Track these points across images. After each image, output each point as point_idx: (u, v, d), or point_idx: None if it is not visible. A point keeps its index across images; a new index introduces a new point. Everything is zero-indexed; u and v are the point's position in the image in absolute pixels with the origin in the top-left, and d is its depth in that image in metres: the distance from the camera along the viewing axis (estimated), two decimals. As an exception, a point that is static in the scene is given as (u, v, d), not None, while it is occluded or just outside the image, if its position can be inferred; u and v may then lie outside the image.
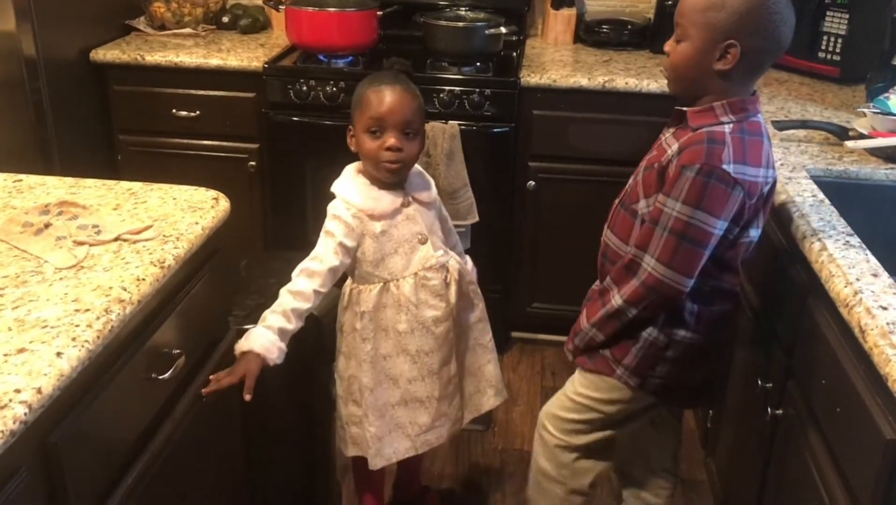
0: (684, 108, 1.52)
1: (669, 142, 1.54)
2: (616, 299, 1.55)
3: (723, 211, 1.44)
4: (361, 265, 1.71)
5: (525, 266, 2.80)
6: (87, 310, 1.17)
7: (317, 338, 1.89)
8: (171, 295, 1.40)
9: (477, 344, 1.89)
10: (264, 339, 1.59)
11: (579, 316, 1.69)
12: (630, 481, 1.98)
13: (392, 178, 1.67)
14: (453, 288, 1.77)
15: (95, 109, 2.75)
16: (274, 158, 2.73)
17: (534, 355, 2.90)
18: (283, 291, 1.64)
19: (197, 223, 1.47)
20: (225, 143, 2.76)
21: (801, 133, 2.02)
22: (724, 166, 1.42)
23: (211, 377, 1.52)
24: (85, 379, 1.13)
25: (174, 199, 1.56)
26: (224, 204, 1.58)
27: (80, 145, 2.69)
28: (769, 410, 1.59)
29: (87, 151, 2.73)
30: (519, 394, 2.69)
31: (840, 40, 2.53)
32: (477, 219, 2.56)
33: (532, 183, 2.66)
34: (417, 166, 1.77)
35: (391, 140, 1.61)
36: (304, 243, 2.71)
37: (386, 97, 1.61)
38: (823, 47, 2.57)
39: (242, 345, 1.59)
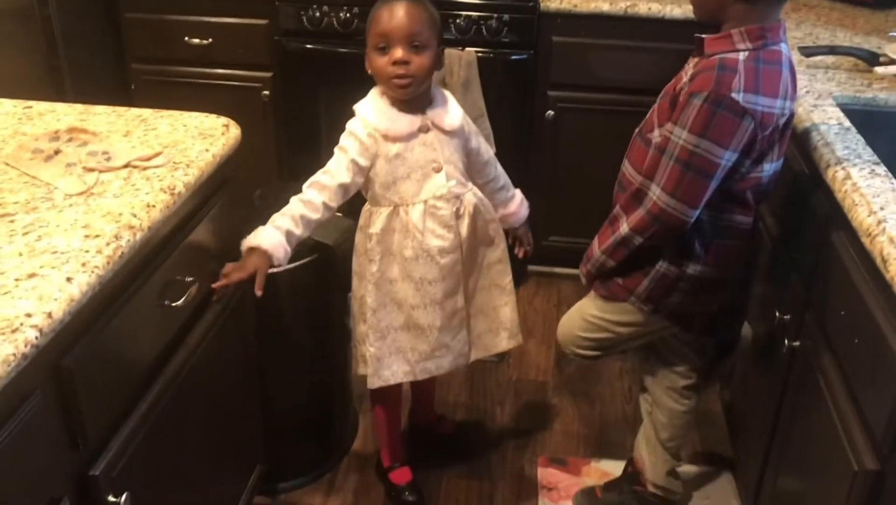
0: (703, 35, 1.48)
1: (686, 70, 1.51)
2: (623, 227, 1.56)
3: (730, 141, 1.40)
4: (373, 186, 1.70)
5: (542, 198, 2.75)
6: (97, 236, 1.16)
7: (331, 267, 1.89)
8: (182, 223, 1.40)
9: (494, 284, 1.87)
10: (273, 238, 1.56)
11: (592, 241, 1.69)
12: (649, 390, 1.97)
13: (404, 94, 1.63)
14: (466, 221, 1.75)
15: (107, 37, 2.71)
16: (287, 87, 2.69)
17: (550, 288, 2.89)
18: (293, 199, 1.64)
19: (207, 150, 1.45)
20: (238, 72, 2.72)
21: (830, 59, 1.96)
22: (734, 95, 1.37)
23: (222, 271, 1.51)
24: (96, 304, 1.13)
25: (184, 125, 1.54)
26: (235, 131, 1.55)
27: (93, 74, 2.66)
28: (786, 341, 1.57)
29: (99, 80, 2.70)
30: (534, 326, 2.69)
31: (874, -38, 2.43)
32: (494, 150, 2.50)
33: (551, 112, 2.61)
34: (446, 93, 1.73)
35: (397, 53, 1.58)
36: (317, 169, 2.71)
37: (391, 11, 1.58)
38: (856, -30, 2.47)
39: (250, 241, 1.56)
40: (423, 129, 1.68)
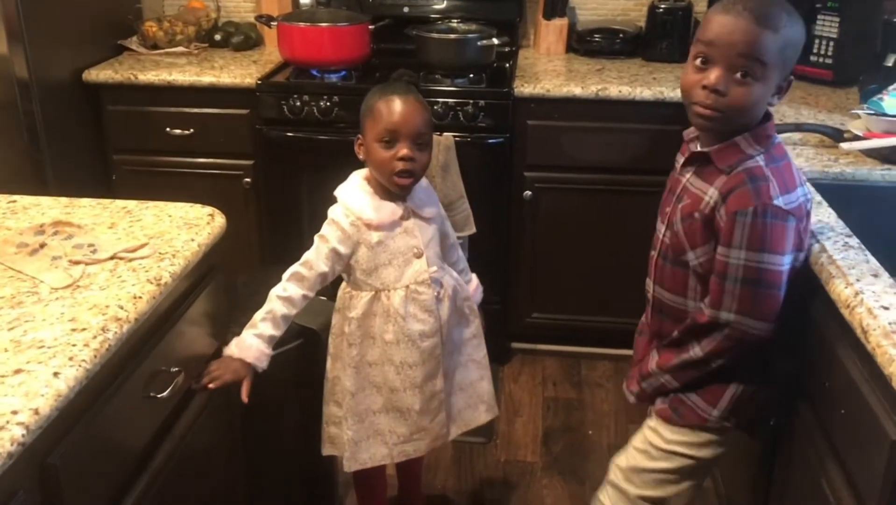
0: (704, 150, 1.45)
1: (699, 186, 1.45)
2: (695, 351, 1.48)
3: (786, 246, 1.38)
4: (355, 272, 1.72)
5: (524, 276, 2.80)
6: (84, 329, 1.16)
7: (316, 352, 1.89)
8: (168, 313, 1.39)
9: (470, 360, 1.88)
10: (255, 349, 1.61)
11: (641, 355, 1.63)
12: None
13: (403, 189, 1.68)
14: (446, 304, 1.76)
15: (89, 130, 2.74)
16: (269, 175, 2.73)
17: (535, 366, 2.89)
18: (273, 297, 1.66)
19: (193, 240, 1.46)
20: (219, 161, 2.75)
21: (797, 136, 2.02)
22: (776, 202, 1.36)
23: (207, 370, 1.54)
24: (83, 399, 1.12)
25: (169, 216, 1.55)
26: (220, 220, 1.57)
27: (75, 166, 2.68)
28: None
29: (81, 172, 2.72)
30: (521, 405, 2.68)
31: (832, 43, 2.54)
32: (474, 230, 2.55)
33: (529, 193, 2.66)
34: (425, 180, 1.77)
35: (404, 150, 1.62)
36: (300, 257, 2.73)
37: (398, 107, 1.62)
38: (815, 51, 2.58)
39: (233, 352, 1.60)
40: (405, 217, 1.71)
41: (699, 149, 1.48)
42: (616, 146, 2.59)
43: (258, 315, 1.65)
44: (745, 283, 1.39)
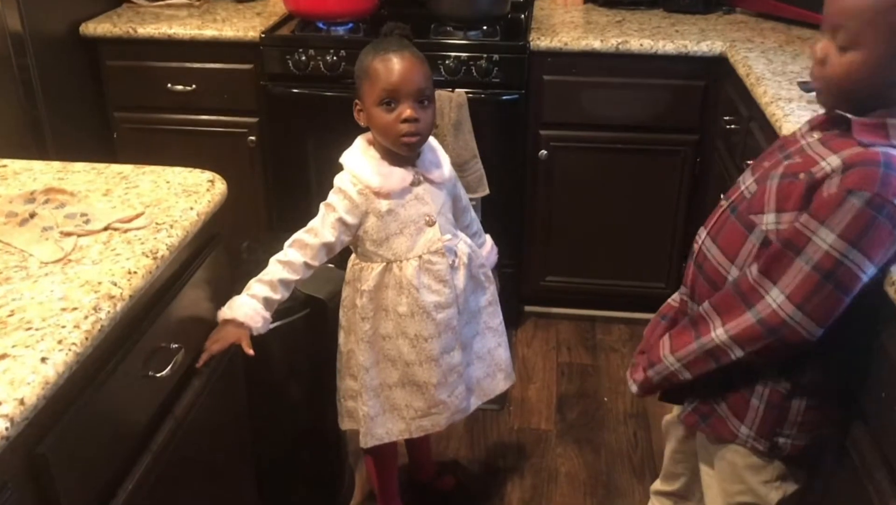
0: (848, 115, 1.25)
1: (819, 151, 1.27)
2: (718, 333, 1.30)
3: (879, 254, 1.20)
4: (364, 243, 1.63)
5: (538, 239, 2.71)
6: (75, 308, 1.08)
7: (324, 321, 1.82)
8: (166, 286, 1.32)
9: (486, 328, 1.81)
10: (248, 307, 1.52)
11: (653, 341, 1.45)
12: None
13: (410, 151, 1.58)
14: (461, 273, 1.68)
15: (88, 86, 2.64)
16: (274, 133, 2.63)
17: (548, 330, 2.81)
18: (273, 260, 1.58)
19: (192, 208, 1.37)
20: (223, 118, 2.65)
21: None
22: None
23: (205, 344, 1.46)
24: (74, 383, 1.05)
25: (167, 182, 1.46)
26: (220, 186, 1.48)
27: (74, 124, 2.59)
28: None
29: (81, 130, 2.63)
30: (534, 371, 2.61)
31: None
32: (487, 191, 2.46)
33: (544, 152, 2.56)
34: (433, 140, 1.68)
35: (407, 111, 1.51)
36: (307, 221, 2.64)
37: (396, 65, 1.51)
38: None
39: (225, 313, 1.51)
40: (415, 183, 1.62)
41: (841, 112, 1.27)
42: (636, 103, 2.48)
43: (254, 279, 1.57)
44: (817, 268, 1.20)
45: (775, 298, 1.24)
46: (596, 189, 2.63)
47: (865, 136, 1.23)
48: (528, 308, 2.88)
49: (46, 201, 1.36)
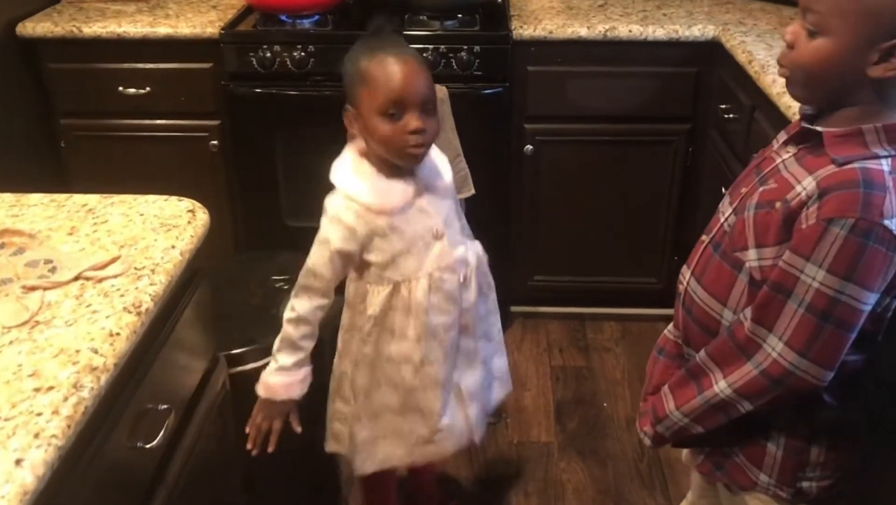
0: (817, 128, 1.13)
1: (793, 172, 1.14)
2: (720, 387, 1.17)
3: (878, 282, 1.07)
4: (369, 268, 1.47)
5: (525, 237, 2.57)
6: (51, 388, 0.91)
7: (319, 351, 1.66)
8: (149, 339, 1.14)
9: (484, 336, 1.66)
10: (280, 385, 1.49)
11: (658, 386, 1.32)
12: None
13: (416, 163, 1.43)
14: (472, 286, 1.54)
15: (30, 92, 2.41)
16: (238, 136, 2.43)
17: (537, 331, 2.69)
18: (285, 321, 1.47)
19: (174, 247, 1.20)
20: (181, 122, 2.45)
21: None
22: (886, 222, 1.04)
23: (248, 430, 1.51)
24: (53, 478, 0.88)
25: (141, 214, 1.28)
26: (202, 217, 1.31)
27: (16, 134, 2.36)
28: None
29: (24, 141, 2.40)
30: (527, 377, 2.49)
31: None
32: (472, 192, 2.31)
33: (530, 147, 2.41)
34: (434, 148, 1.52)
35: (414, 122, 1.35)
36: (276, 230, 2.47)
37: (399, 71, 1.34)
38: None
39: (261, 392, 1.49)
40: (418, 195, 1.46)
41: (811, 126, 1.15)
42: (625, 92, 2.35)
43: (275, 345, 1.49)
44: (811, 310, 1.08)
45: (774, 347, 1.12)
46: (584, 183, 2.50)
47: (839, 150, 1.09)
48: (514, 308, 2.75)
49: (2, 246, 1.18)
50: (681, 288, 1.31)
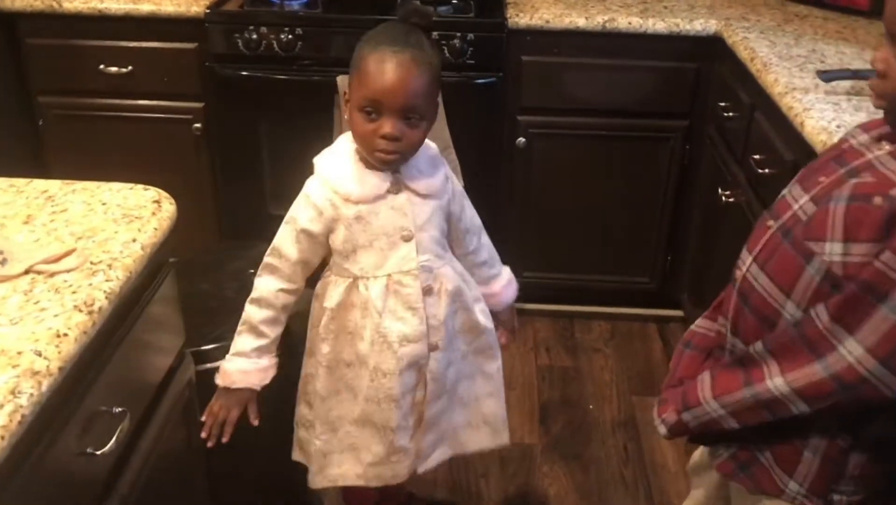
0: None
1: (894, 167, 1.08)
2: (776, 382, 1.09)
3: None
4: (333, 255, 1.41)
5: (514, 232, 2.50)
6: (-14, 394, 0.84)
7: (288, 345, 1.59)
8: (106, 335, 1.07)
9: (479, 371, 1.58)
10: (238, 372, 1.41)
11: (683, 374, 1.26)
12: None
13: (387, 167, 1.35)
14: (442, 302, 1.44)
15: (6, 67, 2.33)
16: (222, 120, 2.36)
17: (525, 329, 2.62)
18: (247, 303, 1.40)
19: (135, 240, 1.13)
20: (164, 103, 2.37)
21: (848, 84, 1.73)
22: None
23: (203, 419, 1.42)
24: (-12, 492, 0.82)
25: (103, 204, 1.21)
26: (169, 208, 1.24)
27: (-8, 111, 2.29)
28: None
29: (1, 118, 2.32)
30: (513, 375, 2.43)
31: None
32: (462, 184, 2.23)
33: (522, 140, 2.34)
34: (433, 147, 1.45)
35: (387, 127, 1.28)
36: (260, 218, 2.40)
37: (387, 70, 1.26)
38: (847, -26, 2.27)
39: (222, 381, 1.41)
40: (393, 190, 1.38)
41: None
42: (622, 86, 2.28)
43: (236, 332, 1.41)
44: None
45: (852, 351, 1.04)
46: (577, 178, 2.43)
47: None
48: (502, 304, 2.69)
49: (-50, 234, 1.10)
50: (738, 274, 1.22)
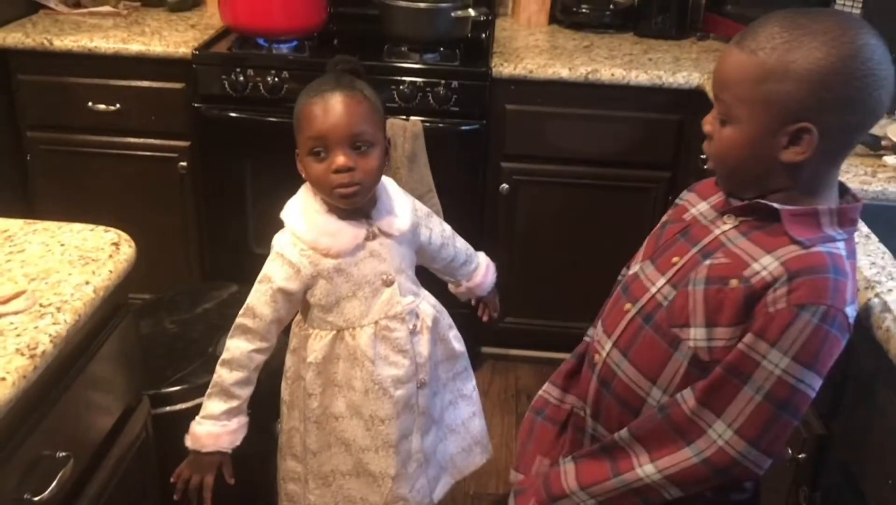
0: (773, 204, 1.05)
1: (746, 248, 1.07)
2: (646, 470, 1.07)
3: (828, 368, 1.02)
4: (312, 309, 1.40)
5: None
6: (-87, 438, 0.83)
7: (254, 397, 1.57)
8: (52, 382, 1.07)
9: (459, 396, 1.61)
10: (209, 435, 1.39)
11: (545, 454, 1.24)
12: None
13: (351, 204, 1.35)
14: (424, 338, 1.46)
15: (-3, 102, 2.36)
16: (208, 159, 2.37)
17: (507, 375, 2.61)
18: (218, 364, 1.39)
19: (88, 283, 1.13)
20: (151, 141, 2.39)
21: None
22: (847, 309, 1.01)
23: (173, 478, 1.40)
24: None
25: (61, 245, 1.21)
26: (127, 251, 1.24)
27: (-21, 144, 2.31)
28: (804, 489, 1.31)
29: (-12, 152, 2.35)
30: (492, 424, 2.36)
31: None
32: (444, 229, 2.24)
33: (505, 186, 2.35)
34: (389, 183, 1.45)
35: (339, 159, 1.29)
36: (243, 258, 2.40)
37: (322, 110, 1.29)
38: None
39: (192, 444, 1.40)
40: (370, 237, 1.39)
41: (762, 200, 1.07)
42: (605, 136, 2.29)
43: (206, 395, 1.40)
44: (769, 398, 1.01)
45: (721, 434, 1.03)
46: (560, 226, 2.43)
47: (799, 230, 1.04)
48: (484, 349, 2.67)
49: None
50: (597, 358, 1.19)
